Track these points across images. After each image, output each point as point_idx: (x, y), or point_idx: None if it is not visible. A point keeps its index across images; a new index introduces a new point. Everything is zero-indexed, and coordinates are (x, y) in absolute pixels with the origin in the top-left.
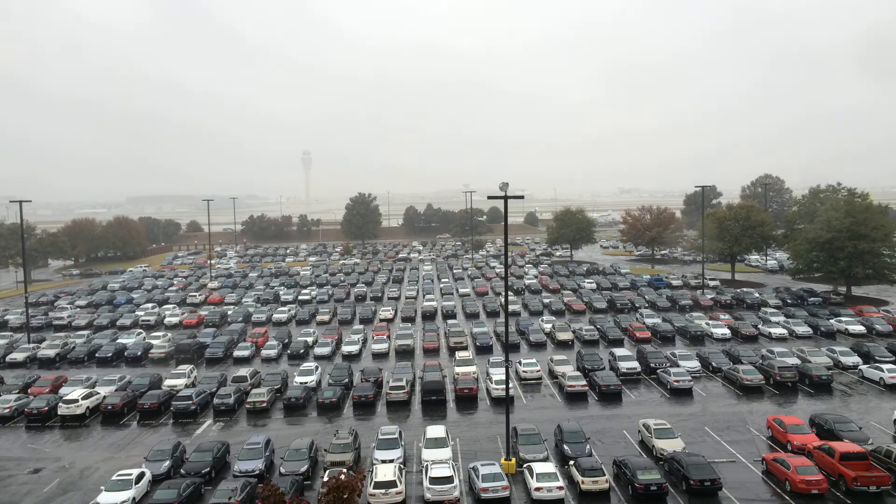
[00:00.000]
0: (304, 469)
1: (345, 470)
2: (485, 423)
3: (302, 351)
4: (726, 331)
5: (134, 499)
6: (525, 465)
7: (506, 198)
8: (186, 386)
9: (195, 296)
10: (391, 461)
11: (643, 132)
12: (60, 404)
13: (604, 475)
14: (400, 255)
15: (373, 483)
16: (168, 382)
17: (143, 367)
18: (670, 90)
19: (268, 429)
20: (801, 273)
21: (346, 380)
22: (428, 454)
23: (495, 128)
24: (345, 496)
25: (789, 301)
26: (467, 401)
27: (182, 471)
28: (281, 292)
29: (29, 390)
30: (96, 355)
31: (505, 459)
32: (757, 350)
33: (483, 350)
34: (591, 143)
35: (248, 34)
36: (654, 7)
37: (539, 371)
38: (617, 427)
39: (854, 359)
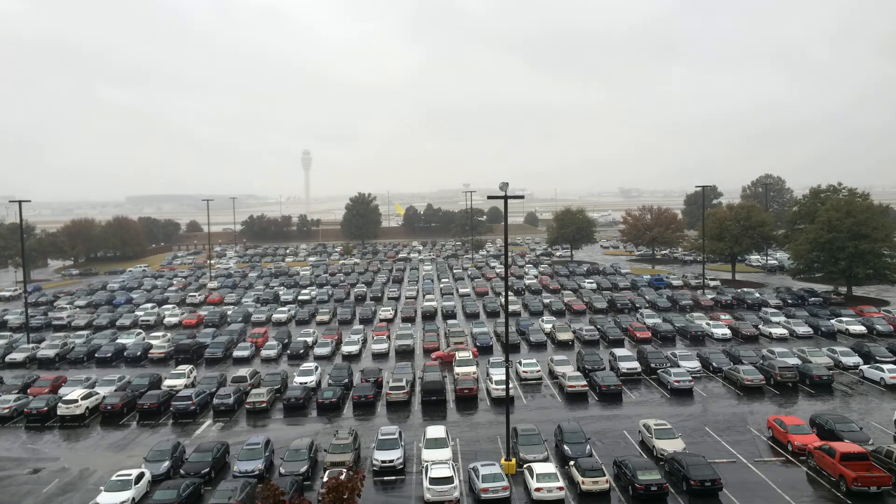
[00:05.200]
0: (303, 469)
1: (345, 470)
2: (485, 424)
3: (302, 351)
4: (727, 331)
5: (133, 499)
6: (525, 466)
7: (506, 198)
8: (186, 386)
9: (195, 296)
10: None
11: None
12: (60, 404)
13: (604, 475)
14: (400, 255)
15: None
16: (168, 382)
17: (143, 367)
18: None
19: (267, 429)
20: (802, 273)
21: (346, 380)
22: (428, 454)
23: (495, 125)
24: (345, 496)
25: (790, 301)
26: (467, 401)
27: (182, 471)
28: (280, 292)
29: (28, 390)
30: (96, 355)
31: (505, 460)
32: (757, 350)
33: (483, 350)
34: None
35: (247, 31)
36: None
37: (539, 371)
38: (617, 427)
39: (855, 359)
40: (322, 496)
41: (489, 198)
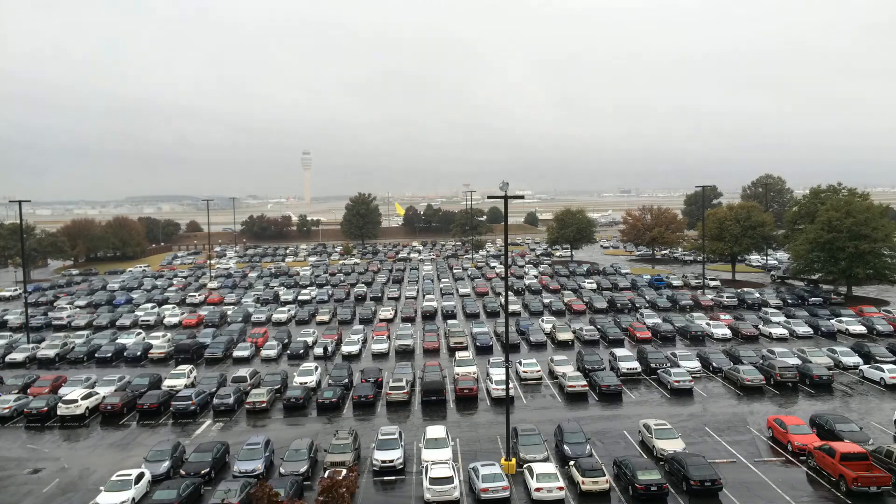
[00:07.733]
0: (303, 469)
1: (344, 470)
2: (485, 424)
3: (302, 351)
4: (727, 331)
5: (133, 499)
6: (525, 466)
7: (506, 198)
8: (186, 386)
9: (195, 296)
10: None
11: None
12: (60, 404)
13: (604, 475)
14: (400, 255)
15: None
16: (168, 382)
17: (143, 367)
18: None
19: (267, 429)
20: (802, 273)
21: (346, 380)
22: (428, 454)
23: (495, 124)
24: (340, 491)
25: (790, 301)
26: (467, 401)
27: (182, 471)
28: (280, 292)
29: (28, 390)
30: (96, 355)
31: (505, 460)
32: (757, 350)
33: (483, 350)
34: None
35: (246, 31)
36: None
37: (539, 371)
38: (617, 427)
39: (855, 359)
40: (317, 495)
41: (489, 198)
